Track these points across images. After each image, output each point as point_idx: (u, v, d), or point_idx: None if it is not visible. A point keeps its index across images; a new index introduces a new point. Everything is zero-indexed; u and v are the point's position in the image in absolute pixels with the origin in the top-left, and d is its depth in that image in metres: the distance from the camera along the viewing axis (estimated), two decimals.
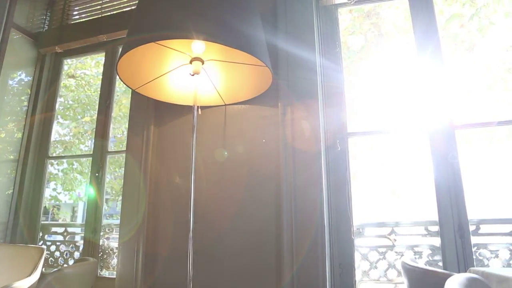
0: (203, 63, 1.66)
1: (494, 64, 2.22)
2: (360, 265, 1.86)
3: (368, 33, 2.43)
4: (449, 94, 1.88)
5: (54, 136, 3.01)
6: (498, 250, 1.70)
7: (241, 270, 1.79)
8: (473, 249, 1.69)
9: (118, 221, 2.12)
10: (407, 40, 2.23)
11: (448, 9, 2.30)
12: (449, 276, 0.91)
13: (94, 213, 2.38)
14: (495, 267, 1.67)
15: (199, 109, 2.00)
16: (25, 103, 2.71)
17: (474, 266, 1.65)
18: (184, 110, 2.08)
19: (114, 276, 2.05)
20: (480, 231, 1.74)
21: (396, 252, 1.83)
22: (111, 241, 2.39)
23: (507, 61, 2.20)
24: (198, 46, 1.63)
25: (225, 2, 1.49)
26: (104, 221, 2.42)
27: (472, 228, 1.72)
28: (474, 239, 1.71)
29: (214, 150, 1.97)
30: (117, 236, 2.17)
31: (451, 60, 2.17)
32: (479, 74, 2.22)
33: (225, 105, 1.98)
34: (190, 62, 1.65)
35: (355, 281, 1.79)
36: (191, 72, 1.63)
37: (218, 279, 1.81)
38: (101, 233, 2.36)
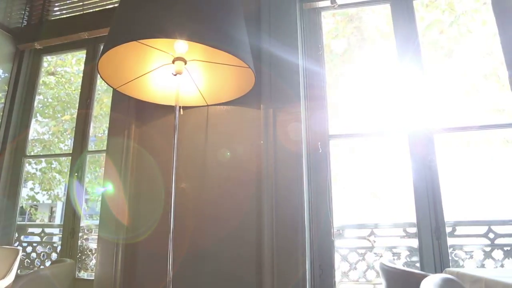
0: (185, 63, 1.65)
1: (472, 70, 2.28)
2: (340, 266, 1.88)
3: (351, 36, 2.46)
4: (429, 99, 1.93)
5: (32, 135, 2.94)
6: (472, 251, 1.75)
7: (221, 270, 1.78)
8: (449, 250, 1.73)
9: (97, 222, 2.09)
10: (389, 44, 2.26)
11: (428, 16, 2.35)
12: (425, 276, 0.92)
13: (72, 213, 2.34)
14: (470, 268, 1.72)
15: (181, 109, 1.99)
16: (2, 100, 2.64)
17: (450, 267, 1.69)
18: (166, 110, 2.07)
19: (93, 278, 2.01)
20: (456, 233, 1.79)
21: (375, 253, 1.87)
22: (90, 242, 2.35)
23: (483, 68, 2.26)
24: (181, 46, 1.61)
25: (209, 3, 1.48)
26: (83, 222, 2.37)
27: (448, 229, 1.77)
28: (450, 241, 1.76)
29: (196, 150, 1.96)
30: (96, 237, 2.14)
31: (431, 65, 2.22)
32: (457, 79, 2.28)
33: (208, 105, 1.98)
34: (173, 62, 1.63)
35: (334, 282, 1.81)
36: (174, 72, 1.62)
37: (199, 280, 1.80)
38: (80, 234, 2.32)
